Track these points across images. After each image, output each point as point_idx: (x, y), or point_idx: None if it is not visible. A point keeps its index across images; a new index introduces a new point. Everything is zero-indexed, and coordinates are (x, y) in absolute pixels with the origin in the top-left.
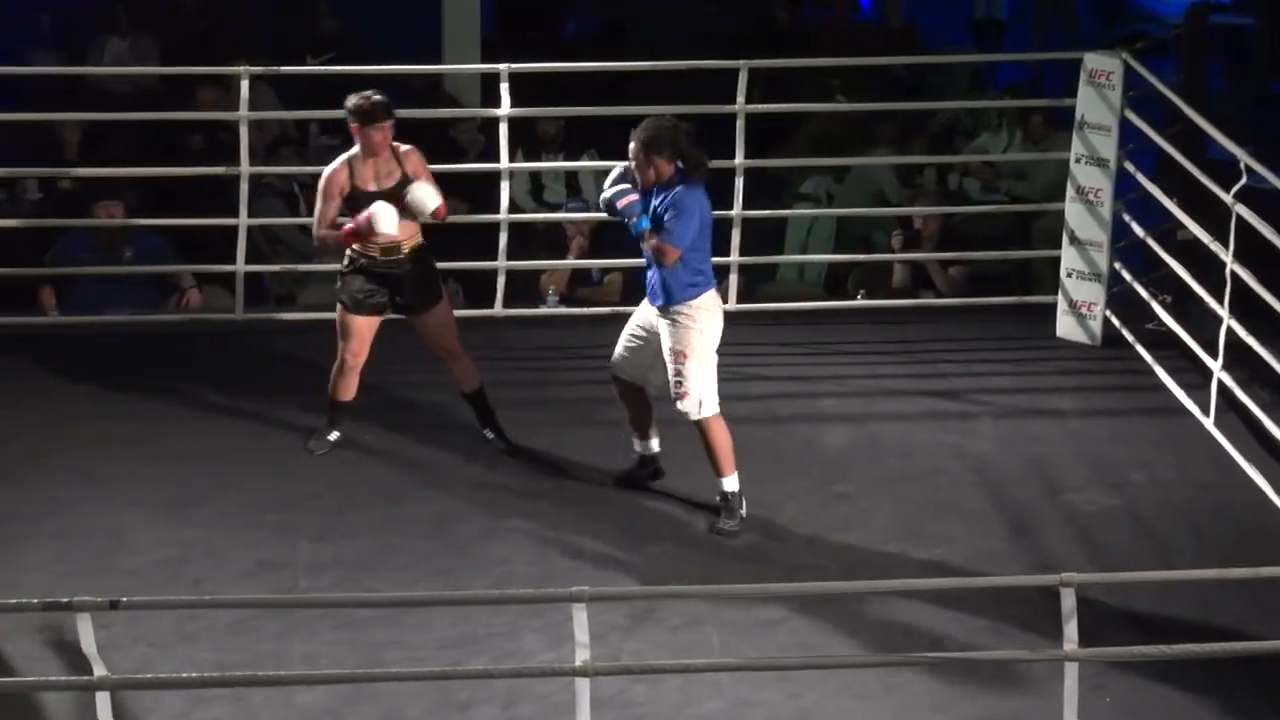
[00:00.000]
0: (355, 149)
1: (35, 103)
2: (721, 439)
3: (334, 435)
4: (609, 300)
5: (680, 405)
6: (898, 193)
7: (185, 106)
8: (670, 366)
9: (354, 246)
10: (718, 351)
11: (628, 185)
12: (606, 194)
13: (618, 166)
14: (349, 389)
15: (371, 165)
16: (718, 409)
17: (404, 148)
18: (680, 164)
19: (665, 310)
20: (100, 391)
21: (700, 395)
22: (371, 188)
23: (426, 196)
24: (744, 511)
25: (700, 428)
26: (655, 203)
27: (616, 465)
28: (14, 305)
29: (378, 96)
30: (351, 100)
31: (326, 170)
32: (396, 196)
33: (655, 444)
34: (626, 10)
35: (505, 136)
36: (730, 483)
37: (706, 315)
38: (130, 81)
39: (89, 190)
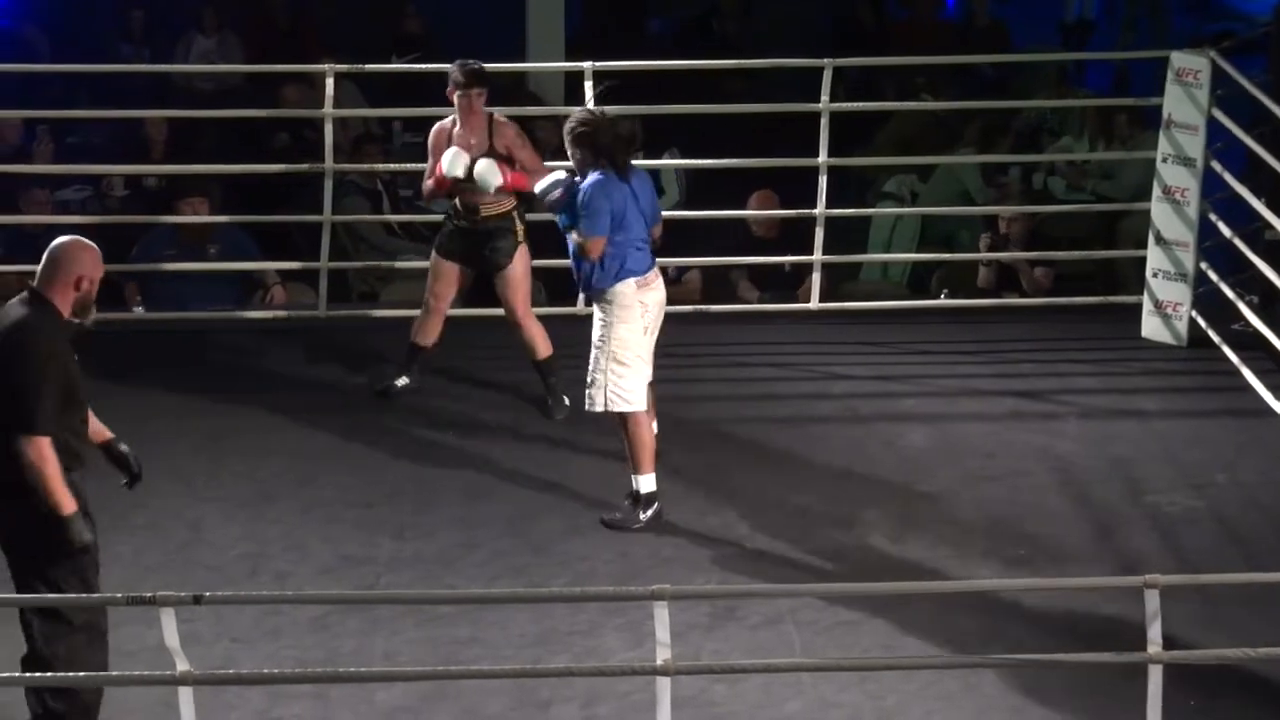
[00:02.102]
0: None
1: (122, 100)
2: (637, 437)
3: (402, 380)
4: (689, 298)
5: (587, 395)
6: (982, 192)
7: (270, 104)
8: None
9: (450, 201)
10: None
11: (558, 181)
12: (539, 189)
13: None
14: (428, 332)
15: (467, 130)
16: (634, 407)
17: (501, 119)
18: (601, 160)
19: (589, 300)
20: (183, 387)
21: (610, 390)
22: (457, 155)
23: (488, 172)
24: (647, 516)
25: (619, 423)
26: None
27: (701, 464)
28: (99, 301)
29: (473, 65)
30: (451, 66)
31: (434, 126)
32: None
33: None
34: (712, 8)
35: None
36: (644, 482)
37: (624, 309)
38: (216, 79)
39: (175, 187)
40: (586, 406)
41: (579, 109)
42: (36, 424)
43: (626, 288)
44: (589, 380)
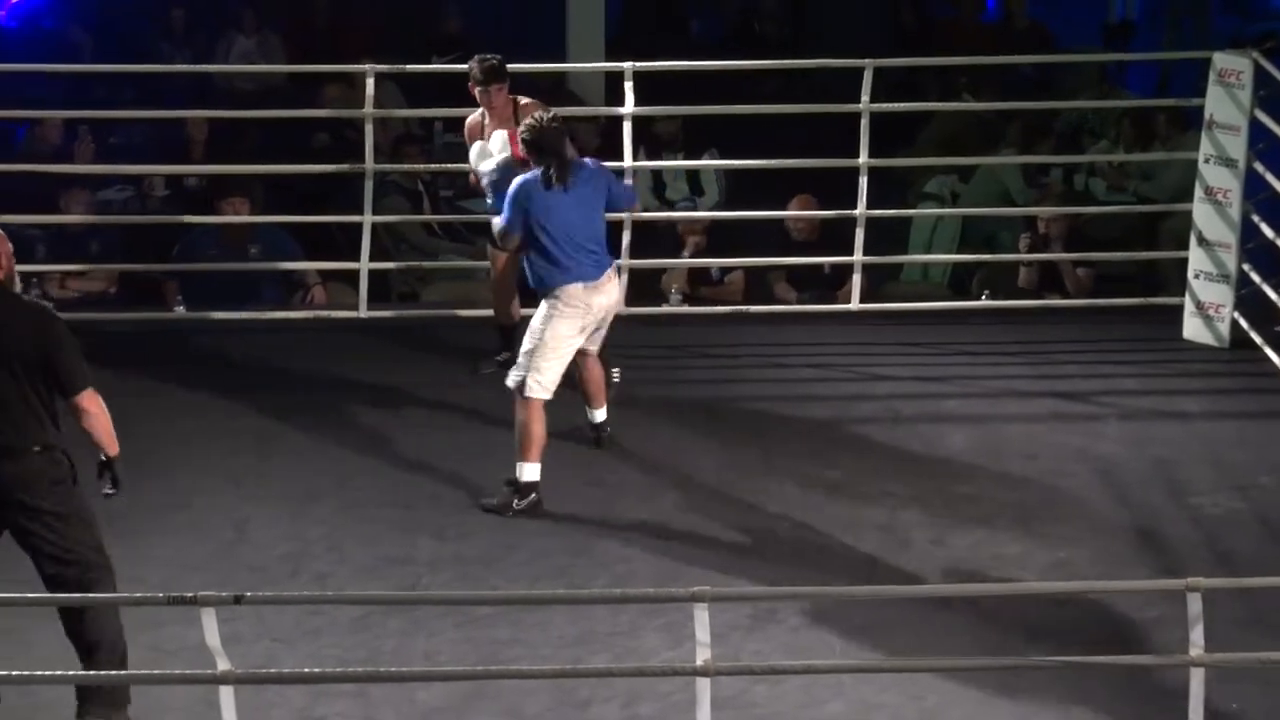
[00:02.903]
0: None
1: (163, 100)
2: (531, 427)
3: (502, 355)
4: (731, 299)
5: (509, 373)
6: (1023, 193)
7: (311, 104)
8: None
9: None
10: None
11: (501, 163)
12: (481, 166)
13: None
14: (504, 311)
15: (494, 123)
16: (543, 397)
17: (526, 102)
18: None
19: (539, 294)
20: (224, 387)
21: (530, 376)
22: (488, 149)
23: (493, 142)
24: (522, 505)
25: (521, 408)
26: None
27: (742, 465)
28: (141, 301)
29: (490, 60)
30: (471, 63)
31: (466, 121)
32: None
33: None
34: (753, 8)
35: (629, 135)
36: (528, 471)
37: (569, 308)
38: (257, 79)
39: (216, 187)
40: (506, 380)
41: (537, 116)
42: (89, 380)
43: (575, 289)
44: (518, 360)
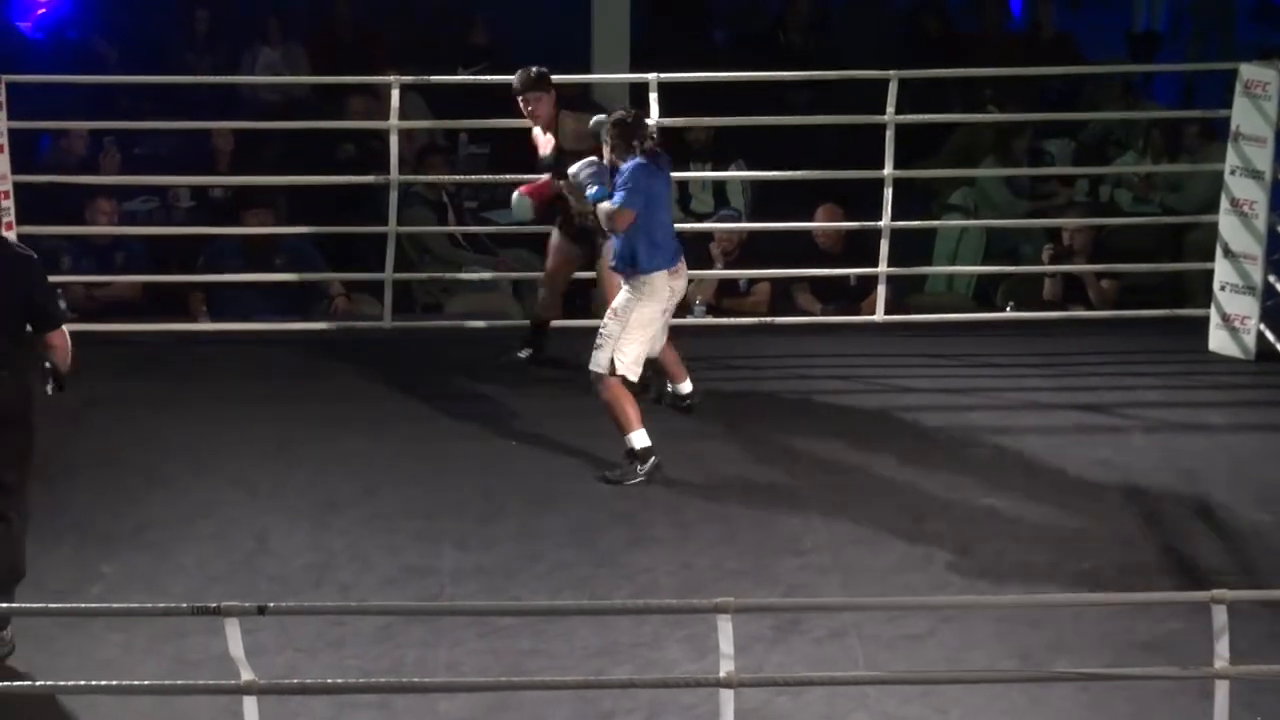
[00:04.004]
0: None
1: (188, 111)
2: (621, 401)
3: (524, 351)
4: (756, 310)
5: (592, 357)
6: (1013, 204)
7: (336, 115)
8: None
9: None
10: None
11: (592, 161)
12: (572, 170)
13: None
14: (549, 307)
15: (539, 132)
16: (632, 375)
17: (564, 114)
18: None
19: (625, 277)
20: (249, 397)
21: (616, 355)
22: (541, 153)
23: (517, 208)
24: (645, 469)
25: (607, 386)
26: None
27: (766, 476)
28: (166, 311)
29: (528, 72)
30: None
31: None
32: (552, 167)
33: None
34: (778, 20)
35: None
36: (637, 439)
37: (655, 292)
38: (281, 90)
39: (240, 198)
40: (590, 365)
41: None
42: (63, 318)
43: (660, 276)
44: (597, 343)
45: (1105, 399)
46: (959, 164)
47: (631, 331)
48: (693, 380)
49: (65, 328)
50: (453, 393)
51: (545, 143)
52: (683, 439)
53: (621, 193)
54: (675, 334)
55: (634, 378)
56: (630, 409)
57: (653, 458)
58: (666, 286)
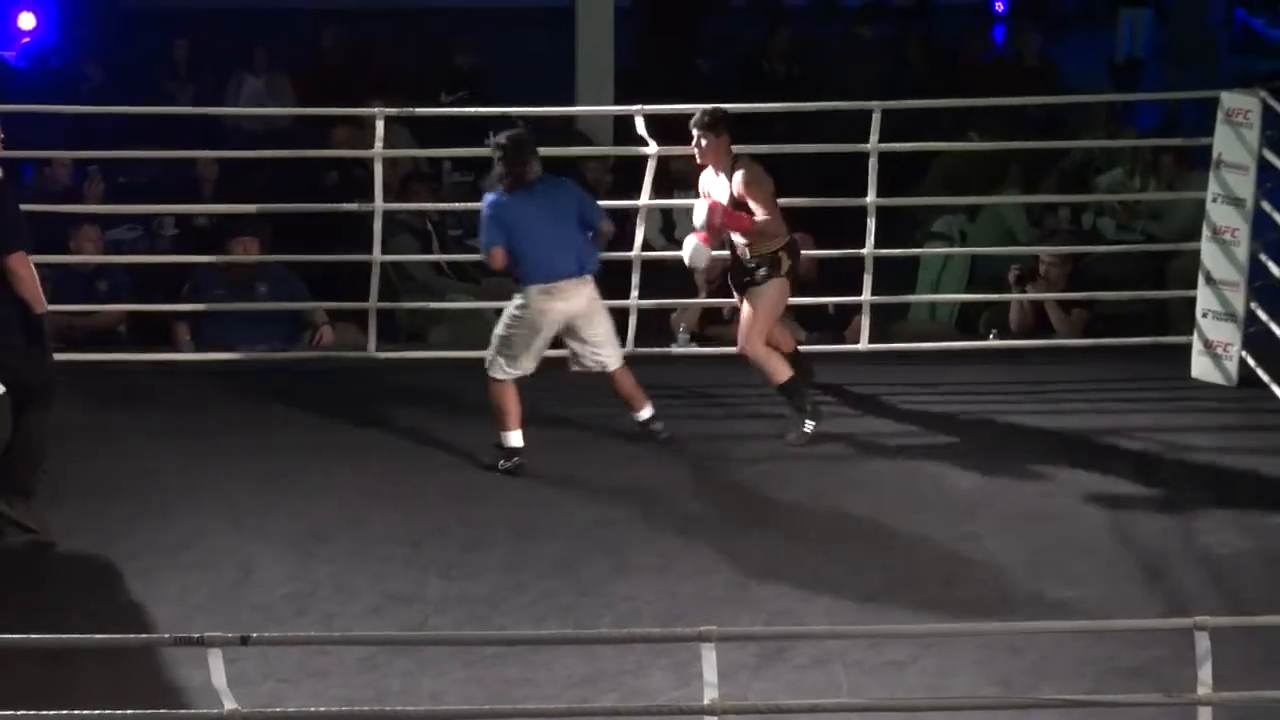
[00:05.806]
0: None
1: (173, 140)
2: (502, 402)
3: (808, 426)
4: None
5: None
6: (1028, 232)
7: (320, 144)
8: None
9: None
10: None
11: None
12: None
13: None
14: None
15: (708, 178)
16: (505, 380)
17: (740, 160)
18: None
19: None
20: (233, 426)
21: (495, 361)
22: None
23: (694, 255)
24: (508, 465)
25: (487, 384)
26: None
27: (749, 505)
28: (150, 341)
29: (702, 112)
30: None
31: None
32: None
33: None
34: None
35: (650, 175)
36: (512, 439)
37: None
38: (265, 119)
39: (225, 227)
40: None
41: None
42: (22, 245)
43: (532, 291)
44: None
45: (1089, 425)
46: (944, 192)
47: (505, 337)
48: (673, 408)
49: (28, 256)
50: (437, 422)
51: (700, 207)
52: (665, 467)
53: (479, 236)
54: (657, 362)
55: (502, 378)
56: (510, 408)
57: (516, 458)
58: (542, 302)
